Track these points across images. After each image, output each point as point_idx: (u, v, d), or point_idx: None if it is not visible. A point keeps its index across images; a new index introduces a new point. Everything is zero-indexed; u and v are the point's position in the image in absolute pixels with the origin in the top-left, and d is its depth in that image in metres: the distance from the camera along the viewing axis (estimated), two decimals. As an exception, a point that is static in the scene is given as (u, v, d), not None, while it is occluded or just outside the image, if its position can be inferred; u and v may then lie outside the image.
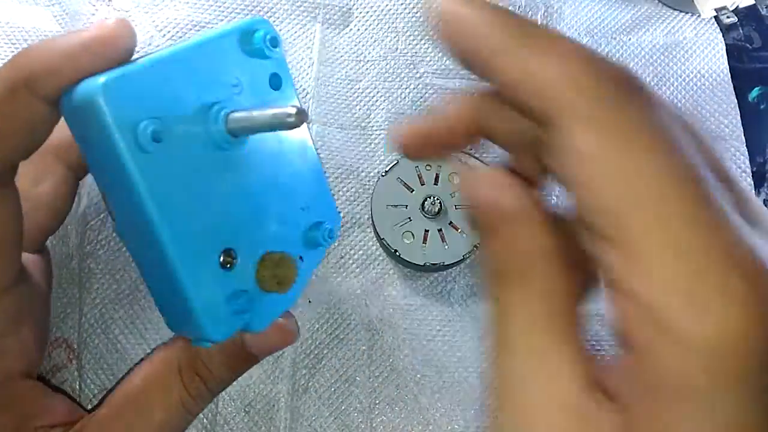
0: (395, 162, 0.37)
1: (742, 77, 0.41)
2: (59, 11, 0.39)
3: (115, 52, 0.22)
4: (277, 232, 0.26)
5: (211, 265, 0.23)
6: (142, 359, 0.33)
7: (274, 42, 0.24)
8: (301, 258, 0.26)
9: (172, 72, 0.22)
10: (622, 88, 0.15)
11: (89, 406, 0.34)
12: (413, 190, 0.36)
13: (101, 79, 0.20)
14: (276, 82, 0.25)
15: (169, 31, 0.39)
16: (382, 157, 0.38)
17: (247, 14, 0.40)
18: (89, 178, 0.32)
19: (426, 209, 0.35)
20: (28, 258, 0.30)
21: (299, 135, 0.27)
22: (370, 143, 0.38)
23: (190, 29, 0.40)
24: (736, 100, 0.40)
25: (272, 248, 0.25)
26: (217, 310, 0.23)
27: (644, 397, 0.14)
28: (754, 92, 0.41)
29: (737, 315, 0.13)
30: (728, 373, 0.13)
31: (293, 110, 0.20)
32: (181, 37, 0.39)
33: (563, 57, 0.16)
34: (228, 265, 0.23)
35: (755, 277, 0.14)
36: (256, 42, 0.24)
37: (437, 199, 0.35)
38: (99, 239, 0.35)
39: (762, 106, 0.41)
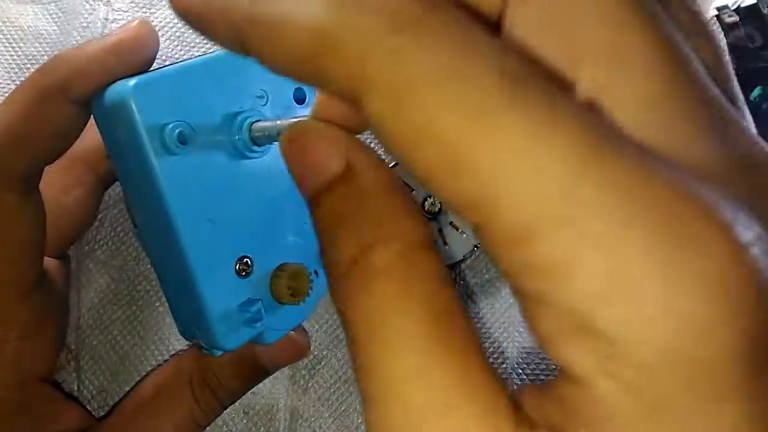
0: (395, 162, 0.36)
1: (743, 77, 0.41)
2: (56, 10, 0.39)
3: (140, 53, 0.23)
4: (294, 244, 0.26)
5: (227, 272, 0.23)
6: (151, 370, 0.33)
7: None
8: (316, 273, 0.26)
9: (200, 79, 0.23)
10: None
11: (87, 407, 0.34)
12: (413, 190, 0.36)
13: (132, 81, 0.21)
14: (300, 95, 0.26)
15: (167, 31, 0.39)
16: (382, 157, 0.38)
17: (246, 13, 0.40)
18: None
19: (426, 209, 0.35)
20: (49, 263, 0.30)
21: None
22: (370, 143, 0.38)
23: (189, 29, 0.39)
24: (737, 100, 0.40)
25: (289, 260, 0.25)
26: (230, 317, 0.23)
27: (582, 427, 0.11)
28: (756, 92, 0.41)
29: (695, 306, 0.09)
30: (694, 390, 0.10)
31: None
32: (179, 36, 0.39)
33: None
34: (243, 273, 0.24)
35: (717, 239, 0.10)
36: None
37: (437, 198, 0.35)
38: (97, 239, 0.35)
39: (764, 106, 0.40)
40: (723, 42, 0.40)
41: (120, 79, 0.22)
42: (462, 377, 0.12)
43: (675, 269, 0.09)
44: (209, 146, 0.23)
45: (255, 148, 0.23)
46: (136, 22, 0.24)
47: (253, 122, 0.23)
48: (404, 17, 0.10)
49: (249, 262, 0.24)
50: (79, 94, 0.23)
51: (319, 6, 0.11)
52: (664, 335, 0.10)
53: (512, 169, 0.10)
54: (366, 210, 0.13)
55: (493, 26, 0.12)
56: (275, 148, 0.24)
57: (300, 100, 0.26)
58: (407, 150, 0.11)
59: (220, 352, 0.24)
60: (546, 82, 0.10)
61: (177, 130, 0.21)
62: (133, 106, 0.21)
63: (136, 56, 0.23)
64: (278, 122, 0.22)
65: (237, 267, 0.24)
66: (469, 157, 0.10)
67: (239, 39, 0.12)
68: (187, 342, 0.34)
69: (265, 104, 0.25)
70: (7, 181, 0.25)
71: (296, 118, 0.22)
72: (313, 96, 0.26)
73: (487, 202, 0.10)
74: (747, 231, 0.10)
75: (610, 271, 0.10)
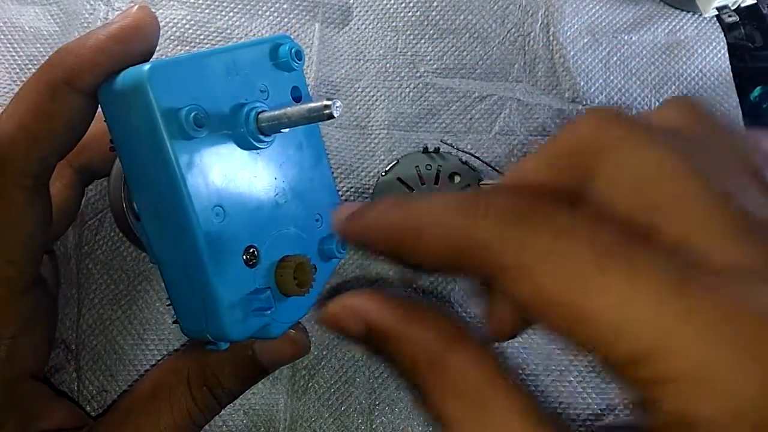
0: (395, 162, 0.36)
1: (743, 76, 0.41)
2: (57, 11, 0.39)
3: (143, 38, 0.24)
4: (295, 236, 0.27)
5: (236, 261, 0.24)
6: (148, 369, 0.33)
7: (299, 55, 0.26)
8: (315, 267, 0.26)
9: (211, 68, 0.23)
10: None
11: (87, 407, 0.34)
12: (413, 190, 0.36)
13: (147, 65, 0.21)
14: (296, 94, 0.27)
15: (167, 31, 0.39)
16: (382, 157, 0.38)
17: (246, 13, 0.40)
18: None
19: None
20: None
21: (315, 147, 0.28)
22: (370, 143, 0.38)
23: (189, 28, 0.39)
24: (737, 100, 0.40)
25: (291, 252, 0.26)
26: (239, 306, 0.23)
27: None
28: (756, 91, 0.41)
29: None
30: None
31: (329, 102, 0.21)
32: (179, 36, 0.39)
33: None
34: (251, 263, 0.24)
35: None
36: (282, 55, 0.26)
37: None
38: (96, 239, 0.35)
39: (764, 106, 0.40)
40: None
41: (126, 67, 0.22)
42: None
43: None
44: (219, 134, 0.23)
45: (262, 137, 0.24)
46: (136, 7, 0.24)
47: (260, 112, 0.23)
48: (519, 215, 0.15)
49: (255, 252, 0.24)
50: (87, 84, 0.23)
51: (455, 218, 0.15)
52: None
53: (617, 314, 0.13)
54: (406, 334, 0.17)
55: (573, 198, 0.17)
56: (279, 140, 0.25)
57: (296, 98, 0.27)
58: (538, 312, 0.14)
59: (226, 345, 0.24)
60: (627, 240, 0.14)
61: (193, 113, 0.22)
62: (149, 90, 0.21)
63: (140, 42, 0.24)
64: (288, 110, 0.23)
65: (245, 257, 0.24)
66: (583, 311, 0.14)
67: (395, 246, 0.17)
68: (187, 341, 0.34)
69: (266, 99, 0.25)
70: (19, 178, 0.25)
71: (305, 105, 0.22)
72: (306, 95, 0.27)
73: (605, 339, 0.14)
74: None
75: (700, 378, 0.13)
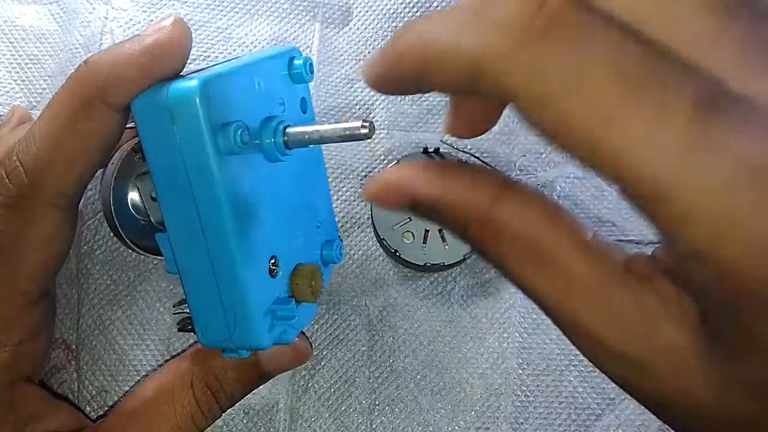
0: (395, 162, 0.36)
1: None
2: (57, 10, 0.39)
3: (177, 54, 0.23)
4: (304, 245, 0.27)
5: (263, 271, 0.24)
6: (148, 369, 0.33)
7: (312, 68, 0.27)
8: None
9: (246, 82, 0.23)
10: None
11: (87, 408, 0.34)
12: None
13: (193, 80, 0.21)
14: (303, 106, 0.27)
15: (167, 30, 0.39)
16: (382, 157, 0.38)
17: (246, 13, 0.40)
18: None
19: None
20: None
21: (315, 153, 0.29)
22: (370, 143, 0.38)
23: (191, 27, 0.39)
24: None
25: (300, 259, 0.26)
26: (267, 316, 0.24)
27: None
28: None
29: None
30: None
31: (366, 123, 0.22)
32: (179, 35, 0.39)
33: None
34: (273, 273, 0.25)
35: None
36: (298, 67, 0.26)
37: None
38: (96, 239, 0.35)
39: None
40: None
41: (158, 82, 0.22)
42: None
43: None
44: (252, 147, 0.23)
45: (286, 151, 0.24)
46: (171, 20, 0.23)
47: (286, 126, 0.24)
48: (528, 33, 0.13)
49: (276, 262, 0.25)
50: (121, 101, 0.23)
51: (470, 39, 0.14)
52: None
53: (642, 149, 0.12)
54: (451, 199, 0.16)
55: None
56: (296, 152, 0.25)
57: (303, 110, 0.27)
58: (558, 141, 0.14)
59: (247, 353, 0.25)
60: (650, 64, 0.13)
61: (240, 130, 0.22)
62: (198, 106, 0.21)
63: (173, 57, 0.23)
64: (321, 128, 0.23)
65: (270, 266, 0.24)
66: (608, 145, 0.13)
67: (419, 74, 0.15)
68: (189, 345, 0.34)
69: (284, 111, 0.26)
70: (55, 198, 0.25)
71: (338, 123, 0.22)
72: (311, 106, 0.28)
73: (628, 175, 0.13)
74: None
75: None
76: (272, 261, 0.24)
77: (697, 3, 0.14)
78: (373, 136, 0.38)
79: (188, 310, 0.25)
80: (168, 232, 0.23)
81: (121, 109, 0.23)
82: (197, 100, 0.21)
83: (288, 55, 0.26)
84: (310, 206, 0.28)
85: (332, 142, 0.23)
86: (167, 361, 0.34)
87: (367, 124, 0.21)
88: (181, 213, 0.23)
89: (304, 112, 0.27)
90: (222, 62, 0.24)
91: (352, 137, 0.22)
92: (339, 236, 0.32)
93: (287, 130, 0.23)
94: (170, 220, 0.23)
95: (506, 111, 0.18)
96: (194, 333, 0.25)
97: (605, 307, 0.15)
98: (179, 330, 0.30)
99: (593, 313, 0.15)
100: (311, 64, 0.27)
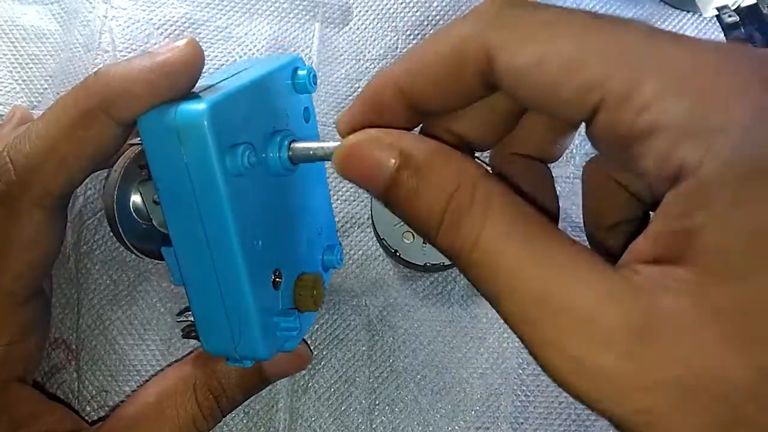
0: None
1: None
2: (57, 9, 0.39)
3: (188, 74, 0.23)
4: (306, 254, 0.27)
5: (267, 285, 0.24)
6: (148, 370, 0.33)
7: (315, 79, 0.27)
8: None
9: (251, 99, 0.23)
10: None
11: (87, 407, 0.34)
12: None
13: (202, 103, 0.21)
14: (307, 115, 0.27)
15: (166, 29, 0.39)
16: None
17: (246, 12, 0.40)
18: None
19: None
20: None
21: (320, 163, 0.29)
22: (370, 142, 0.38)
23: (188, 27, 0.39)
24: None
25: (304, 270, 0.27)
26: (270, 328, 0.24)
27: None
28: (756, 91, 0.41)
29: None
30: None
31: None
32: (179, 35, 0.39)
33: None
34: (276, 285, 0.25)
35: None
36: (301, 78, 0.26)
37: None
38: (95, 239, 0.35)
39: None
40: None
41: (166, 101, 0.22)
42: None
43: None
44: (258, 164, 0.23)
45: (290, 166, 0.24)
46: (185, 40, 0.23)
47: (290, 141, 0.24)
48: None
49: (280, 274, 0.25)
50: (124, 116, 0.23)
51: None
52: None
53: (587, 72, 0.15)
54: (433, 174, 0.16)
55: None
56: (298, 166, 0.25)
57: (306, 119, 0.27)
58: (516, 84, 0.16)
59: (251, 363, 0.25)
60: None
61: (247, 152, 0.22)
62: (207, 130, 0.21)
63: (183, 77, 0.23)
64: (321, 144, 0.23)
65: (273, 279, 0.24)
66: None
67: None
68: (192, 349, 0.34)
69: (287, 124, 0.26)
70: (41, 199, 0.25)
71: (331, 141, 0.22)
72: (314, 115, 0.28)
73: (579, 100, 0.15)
74: None
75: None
76: (276, 273, 0.25)
77: None
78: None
79: (192, 319, 0.25)
80: (174, 247, 0.23)
81: (124, 123, 0.23)
82: (205, 123, 0.21)
83: (291, 65, 0.26)
84: (312, 213, 0.28)
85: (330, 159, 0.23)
86: (168, 361, 0.34)
87: None
88: (188, 229, 0.23)
89: (307, 122, 0.27)
90: (225, 72, 0.24)
91: None
92: (339, 241, 0.32)
93: (292, 146, 0.23)
94: (176, 235, 0.23)
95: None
96: (198, 340, 0.25)
97: None
98: (184, 337, 0.30)
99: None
100: (315, 75, 0.27)
